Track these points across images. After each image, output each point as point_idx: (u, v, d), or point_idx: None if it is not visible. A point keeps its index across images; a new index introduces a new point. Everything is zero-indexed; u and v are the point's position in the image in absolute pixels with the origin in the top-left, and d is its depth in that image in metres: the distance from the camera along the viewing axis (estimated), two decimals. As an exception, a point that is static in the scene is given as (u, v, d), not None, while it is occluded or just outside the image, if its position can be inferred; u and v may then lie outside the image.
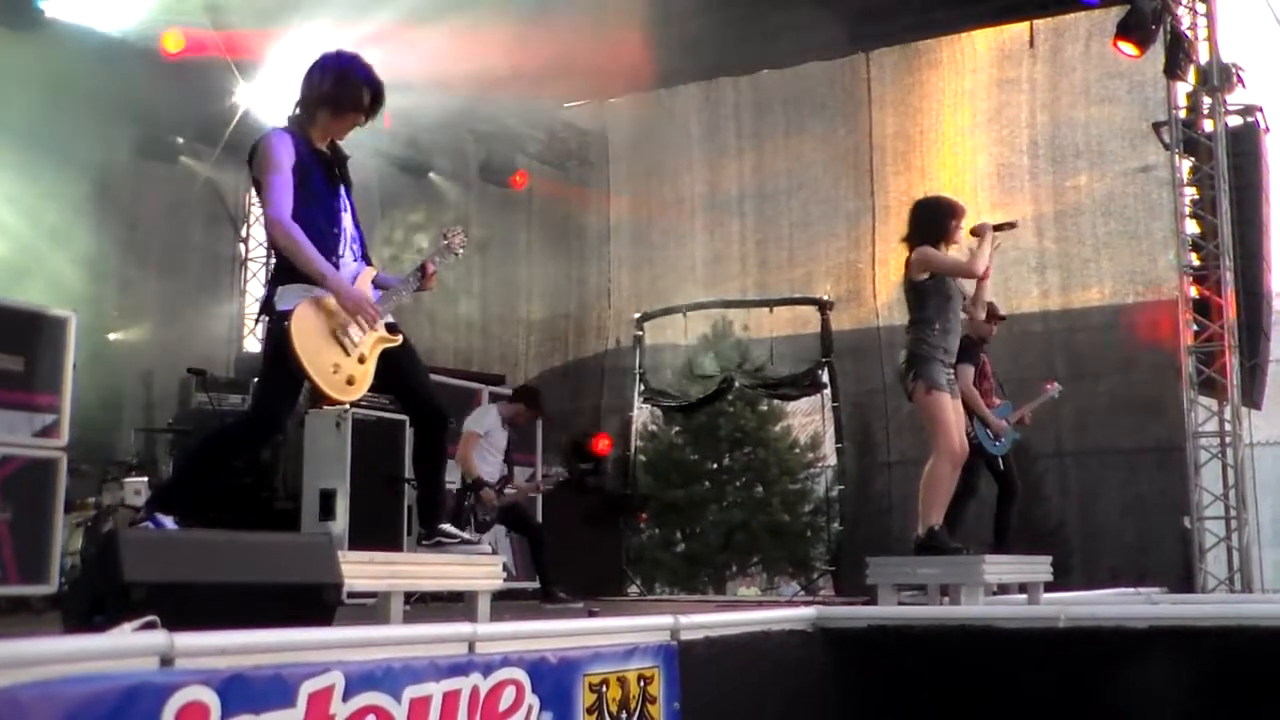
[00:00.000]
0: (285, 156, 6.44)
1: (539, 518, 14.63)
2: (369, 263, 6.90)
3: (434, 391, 7.16)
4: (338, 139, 6.79)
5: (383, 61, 6.79)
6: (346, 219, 6.72)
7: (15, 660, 3.76)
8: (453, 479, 12.87)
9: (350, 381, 6.53)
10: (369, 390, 6.71)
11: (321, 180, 6.64)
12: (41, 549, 10.11)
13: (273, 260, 7.09)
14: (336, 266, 6.54)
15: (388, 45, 13.89)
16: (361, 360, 6.57)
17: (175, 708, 4.01)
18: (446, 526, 7.09)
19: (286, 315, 6.35)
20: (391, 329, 6.77)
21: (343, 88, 6.64)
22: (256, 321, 6.67)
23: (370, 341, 6.62)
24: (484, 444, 11.93)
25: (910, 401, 9.23)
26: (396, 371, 6.85)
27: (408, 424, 13.48)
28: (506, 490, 12.03)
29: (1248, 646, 6.67)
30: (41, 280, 13.33)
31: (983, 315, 10.47)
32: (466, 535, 7.20)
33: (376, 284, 6.85)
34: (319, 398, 12.53)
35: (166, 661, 4.13)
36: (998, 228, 9.43)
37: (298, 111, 6.72)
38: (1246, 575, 13.69)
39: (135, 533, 6.23)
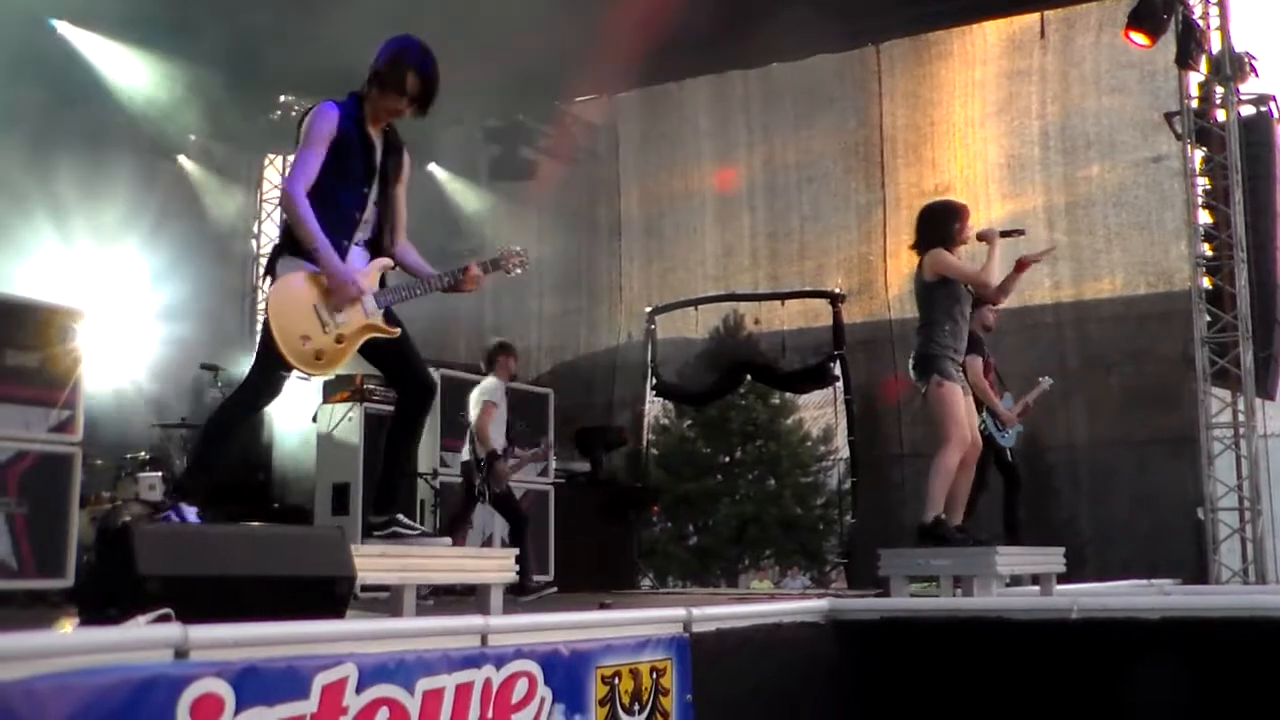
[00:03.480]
0: (324, 131, 6.49)
1: (551, 513, 14.68)
2: (391, 255, 6.86)
3: (426, 367, 7.10)
4: (381, 121, 6.80)
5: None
6: (371, 209, 6.75)
7: (32, 652, 3.79)
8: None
9: (319, 356, 6.48)
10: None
11: (359, 162, 6.66)
12: (57, 543, 10.27)
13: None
14: (345, 251, 6.59)
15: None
16: (339, 340, 6.53)
17: (190, 700, 4.03)
18: (402, 516, 7.00)
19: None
20: (391, 320, 6.78)
21: (391, 68, 6.65)
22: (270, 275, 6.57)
23: (356, 325, 6.58)
24: (498, 414, 11.88)
25: (925, 399, 9.28)
26: (391, 355, 6.86)
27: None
28: (510, 461, 11.99)
29: (1262, 638, 6.68)
30: (55, 276, 13.35)
31: (1004, 297, 10.53)
32: (424, 527, 7.13)
33: (386, 280, 6.86)
34: (333, 390, 12.66)
35: (181, 654, 4.14)
36: (1004, 234, 9.50)
37: (363, 85, 6.72)
38: (1260, 567, 13.69)
39: (149, 526, 6.26)
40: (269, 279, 6.61)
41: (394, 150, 6.88)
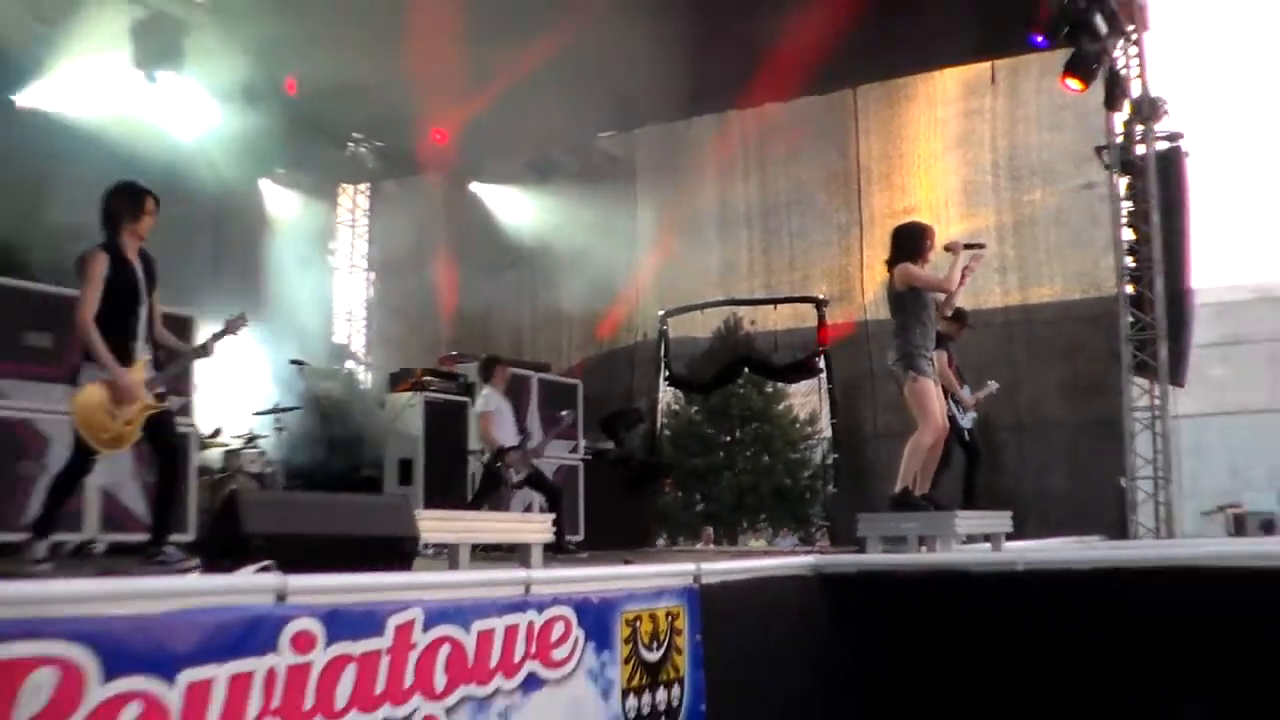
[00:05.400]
0: (99, 271, 7.23)
1: (580, 485, 14.73)
2: (154, 342, 7.62)
3: (181, 441, 8.05)
4: (144, 235, 7.55)
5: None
6: (143, 315, 7.48)
7: (168, 593, 3.98)
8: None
9: (115, 440, 7.25)
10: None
11: (129, 287, 7.38)
12: (180, 505, 10.38)
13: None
14: (132, 354, 7.34)
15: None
16: (128, 423, 7.24)
17: (289, 635, 4.15)
18: (169, 548, 7.39)
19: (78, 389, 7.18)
20: (160, 396, 7.47)
21: (130, 198, 7.50)
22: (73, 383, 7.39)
23: (137, 409, 7.25)
24: (495, 419, 11.87)
25: (902, 392, 9.34)
26: (157, 427, 7.47)
27: (470, 404, 13.67)
28: (529, 445, 11.97)
29: (1171, 582, 6.75)
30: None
31: (950, 313, 10.59)
32: (182, 554, 7.42)
33: (158, 354, 7.68)
34: (397, 381, 12.81)
35: (281, 598, 4.27)
36: (968, 246, 9.57)
37: (108, 233, 7.46)
38: (1170, 525, 13.86)
39: (252, 493, 6.38)
40: (73, 380, 7.25)
41: (149, 265, 7.60)
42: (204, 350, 7.87)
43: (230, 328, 7.88)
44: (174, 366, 7.82)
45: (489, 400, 11.86)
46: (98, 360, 7.15)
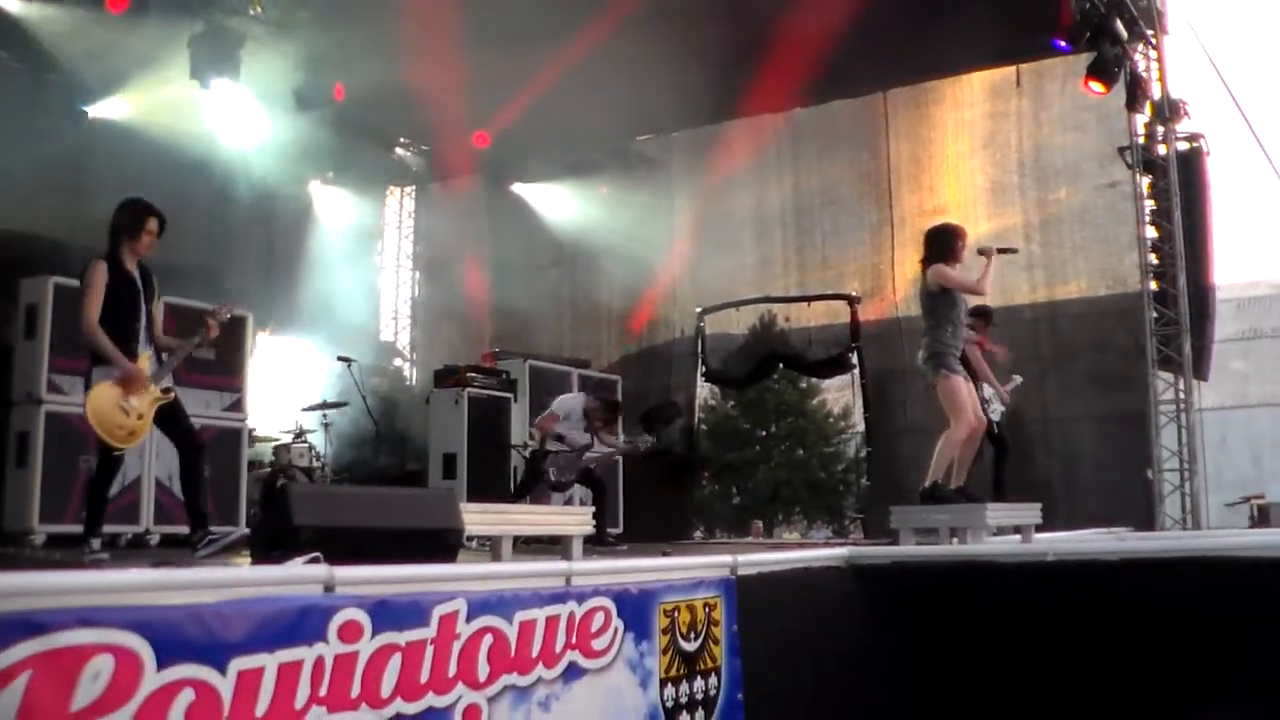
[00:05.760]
0: (100, 279, 7.53)
1: (620, 478, 14.72)
2: (155, 344, 7.85)
3: (193, 428, 8.09)
4: (143, 253, 7.80)
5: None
6: (142, 320, 7.75)
7: (220, 583, 4.00)
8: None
9: (131, 434, 7.53)
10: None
11: (128, 295, 7.67)
12: (232, 498, 11.05)
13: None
14: (135, 353, 7.59)
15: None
16: (140, 418, 7.54)
17: (337, 625, 4.14)
18: (213, 530, 7.67)
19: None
20: (166, 390, 7.74)
21: (132, 216, 7.72)
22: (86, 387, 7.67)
23: (147, 402, 7.57)
24: (561, 423, 11.66)
25: (933, 388, 9.30)
26: (169, 417, 7.80)
27: (511, 400, 13.67)
28: (587, 455, 11.74)
29: (1198, 572, 6.68)
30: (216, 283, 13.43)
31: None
32: (224, 532, 7.71)
33: (160, 355, 7.89)
34: (442, 377, 12.81)
35: (329, 588, 4.26)
36: (1000, 250, 9.54)
37: (110, 244, 7.73)
38: (1196, 516, 13.86)
39: (301, 486, 6.38)
40: (86, 385, 7.53)
41: (147, 277, 7.87)
42: (203, 336, 8.10)
43: (220, 314, 8.17)
44: (174, 360, 7.94)
45: (564, 405, 11.70)
46: (104, 358, 7.44)
